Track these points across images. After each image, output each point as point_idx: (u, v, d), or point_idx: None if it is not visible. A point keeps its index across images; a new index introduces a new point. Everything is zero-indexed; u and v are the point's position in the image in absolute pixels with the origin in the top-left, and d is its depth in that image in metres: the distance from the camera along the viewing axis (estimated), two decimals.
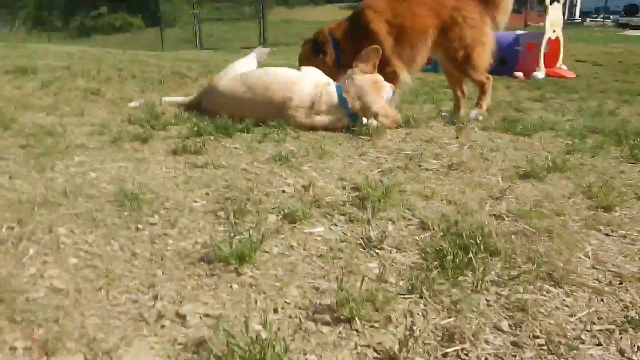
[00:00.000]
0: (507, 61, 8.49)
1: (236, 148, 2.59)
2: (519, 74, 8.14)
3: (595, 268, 1.53)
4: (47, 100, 3.51)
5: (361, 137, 3.10)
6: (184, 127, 2.96)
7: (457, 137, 3.32)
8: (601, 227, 1.86)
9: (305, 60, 3.72)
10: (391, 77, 3.61)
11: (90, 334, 1.04)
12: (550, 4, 8.40)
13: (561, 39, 8.90)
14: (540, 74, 8.31)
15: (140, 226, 1.55)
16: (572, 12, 39.13)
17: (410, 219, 1.81)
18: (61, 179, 1.89)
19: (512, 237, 1.69)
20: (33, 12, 25.36)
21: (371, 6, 3.71)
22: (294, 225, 1.67)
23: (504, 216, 1.90)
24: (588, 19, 30.29)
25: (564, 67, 9.04)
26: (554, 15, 8.54)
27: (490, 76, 4.01)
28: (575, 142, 3.32)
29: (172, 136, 2.76)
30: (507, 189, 2.20)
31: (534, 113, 4.64)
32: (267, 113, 3.04)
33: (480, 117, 3.97)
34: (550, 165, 2.61)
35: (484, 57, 3.88)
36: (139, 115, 3.04)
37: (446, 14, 3.70)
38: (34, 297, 1.14)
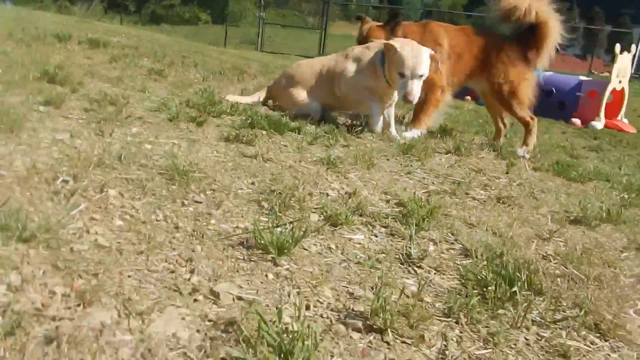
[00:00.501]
0: (566, 105, 8.24)
1: (285, 146, 2.60)
2: (577, 121, 7.88)
3: None
4: (114, 73, 3.63)
5: (410, 155, 3.07)
6: (238, 119, 3.00)
7: (507, 173, 3.23)
8: None
9: None
10: (438, 92, 3.79)
11: (125, 293, 1.05)
12: (620, 53, 8.11)
13: (626, 90, 8.57)
14: (599, 124, 8.00)
15: (186, 202, 1.56)
16: None
17: (452, 243, 1.76)
18: (118, 144, 1.94)
19: (559, 279, 1.62)
20: None
21: (440, 25, 3.96)
22: (334, 228, 1.65)
23: (551, 257, 1.82)
24: None
25: (625, 120, 8.70)
26: (623, 65, 8.23)
27: (534, 117, 4.11)
28: (632, 197, 3.17)
29: (226, 124, 2.80)
30: (557, 231, 2.12)
31: (588, 162, 4.47)
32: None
33: (527, 155, 3.93)
34: (604, 215, 2.50)
35: (527, 92, 4.06)
36: (198, 100, 3.10)
37: (494, 53, 3.94)
38: (78, 249, 1.16)
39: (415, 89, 3.13)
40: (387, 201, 2.09)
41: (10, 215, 1.15)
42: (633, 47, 8.74)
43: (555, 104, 8.37)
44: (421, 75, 3.15)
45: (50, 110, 2.23)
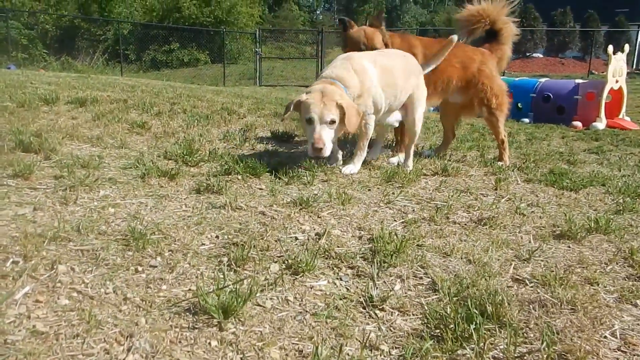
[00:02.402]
0: (565, 110, 8.18)
1: (260, 189, 2.59)
2: (578, 124, 7.80)
3: (622, 351, 1.37)
4: (95, 131, 3.68)
5: (393, 182, 3.03)
6: (216, 165, 3.00)
7: (496, 189, 3.18)
8: (639, 302, 1.68)
9: None
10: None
11: None
12: (614, 54, 8.07)
13: (624, 89, 8.49)
14: (600, 124, 7.91)
15: (140, 268, 1.54)
16: None
17: (421, 278, 1.71)
18: (80, 212, 1.94)
19: (531, 306, 1.56)
20: (111, 46, 27.20)
21: (417, 37, 4.09)
22: (296, 276, 1.61)
23: (527, 281, 1.76)
24: None
25: (627, 118, 8.58)
26: (617, 65, 8.19)
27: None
28: (626, 201, 3.08)
29: (202, 173, 2.80)
30: (537, 249, 2.06)
31: (586, 166, 4.38)
32: None
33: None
34: (592, 225, 2.42)
35: (508, 105, 4.18)
36: (176, 151, 3.12)
37: (475, 66, 3.99)
38: (12, 340, 1.14)
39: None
40: (360, 238, 2.05)
41: None
42: (626, 46, 8.69)
43: (554, 109, 8.31)
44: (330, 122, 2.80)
45: (19, 182, 2.25)
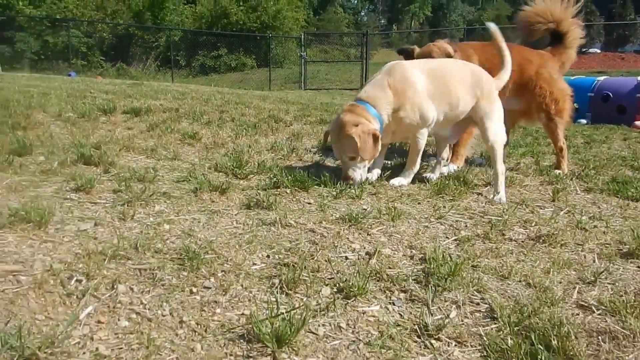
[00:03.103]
0: (626, 109, 7.77)
1: (309, 203, 2.59)
2: (638, 123, 7.40)
3: None
4: (150, 142, 3.80)
5: (444, 195, 2.96)
6: (265, 178, 3.03)
7: (553, 200, 3.05)
8: None
9: None
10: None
11: None
12: None
13: None
14: None
15: (194, 289, 1.57)
16: None
17: (478, 304, 1.65)
18: (137, 229, 1.99)
19: (600, 338, 1.47)
20: (163, 53, 28.12)
21: (469, 44, 3.98)
22: (347, 301, 1.59)
23: (594, 308, 1.66)
24: None
25: None
26: None
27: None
28: None
29: (251, 187, 2.82)
30: (604, 271, 1.94)
31: None
32: None
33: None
34: None
35: (570, 111, 3.97)
36: (226, 163, 3.17)
37: (533, 69, 3.81)
38: None
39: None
40: (412, 257, 2.01)
41: (13, 334, 1.20)
42: None
43: (614, 108, 7.91)
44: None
45: (81, 196, 2.34)
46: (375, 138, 2.87)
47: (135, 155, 3.39)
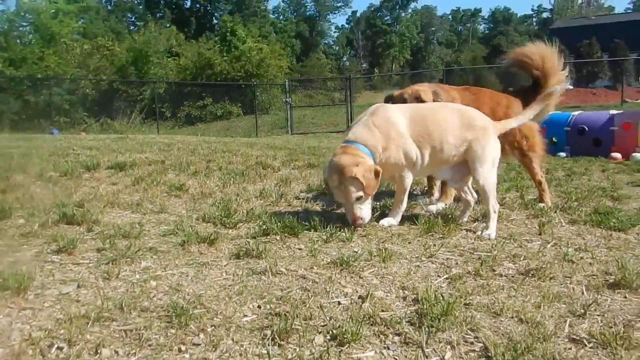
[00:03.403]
0: (602, 142, 7.96)
1: (300, 249, 2.57)
2: (617, 155, 7.54)
3: None
4: (135, 196, 3.78)
5: (433, 233, 2.97)
6: (254, 225, 3.02)
7: (540, 233, 3.07)
8: None
9: None
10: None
11: None
12: None
13: None
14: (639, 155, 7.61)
15: (183, 347, 1.53)
16: None
17: (472, 343, 1.62)
18: (123, 287, 1.96)
19: None
20: (147, 105, 28.39)
21: (443, 87, 4.03)
22: (341, 348, 1.56)
23: (585, 341, 1.65)
24: None
25: None
26: None
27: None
28: None
29: (241, 235, 2.81)
30: (592, 303, 1.94)
31: (632, 202, 4.19)
32: None
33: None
34: None
35: (542, 145, 4.05)
36: (214, 213, 3.16)
37: (502, 111, 3.91)
38: None
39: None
40: (404, 298, 1.99)
41: None
42: None
43: (590, 141, 8.11)
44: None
45: (63, 258, 2.30)
46: (376, 173, 2.92)
47: (120, 211, 3.36)
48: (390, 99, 3.94)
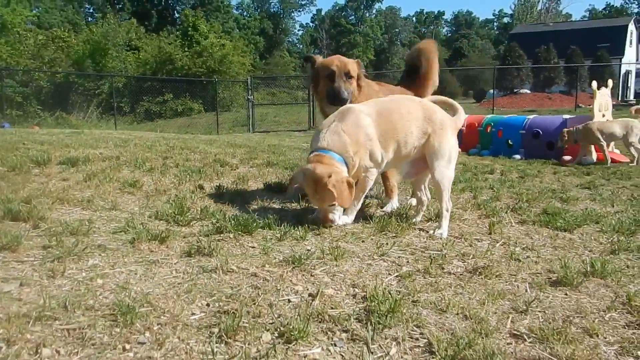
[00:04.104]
0: (554, 145, 8.28)
1: (253, 247, 2.57)
2: (568, 158, 7.88)
3: None
4: (86, 193, 3.67)
5: (387, 232, 3.02)
6: (208, 223, 2.99)
7: (490, 233, 3.17)
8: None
9: None
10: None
11: None
12: (598, 89, 8.25)
13: None
14: (591, 158, 7.99)
15: (127, 346, 1.50)
16: (625, 94, 38.65)
17: (417, 339, 1.67)
18: (68, 286, 1.91)
19: None
20: (105, 100, 27.60)
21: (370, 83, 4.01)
22: (288, 345, 1.57)
23: (525, 336, 1.72)
24: None
25: (617, 151, 8.68)
26: (603, 100, 8.37)
27: None
28: (621, 240, 3.08)
29: (193, 233, 2.78)
30: (534, 300, 2.02)
31: (579, 203, 4.39)
32: None
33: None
34: (588, 269, 2.41)
35: None
36: (167, 210, 3.11)
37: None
38: None
39: None
40: (354, 296, 2.02)
41: None
42: (610, 82, 8.93)
43: (544, 144, 8.43)
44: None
45: (6, 255, 2.22)
46: (349, 185, 2.94)
47: (69, 208, 3.26)
48: (310, 61, 3.80)
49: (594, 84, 8.41)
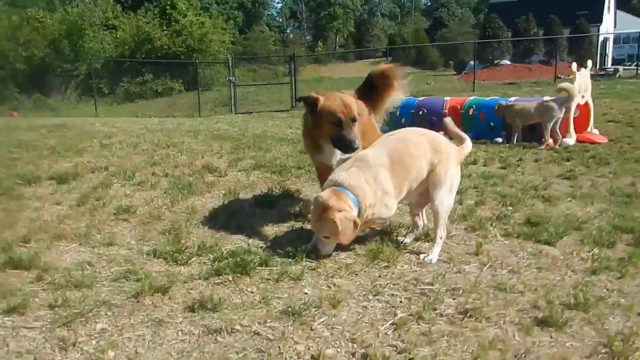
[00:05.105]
0: (535, 128, 8.40)
1: (252, 292, 2.67)
2: (550, 141, 8.00)
3: None
4: (82, 222, 3.72)
5: (380, 261, 3.12)
6: (206, 260, 3.07)
7: (477, 254, 3.30)
8: None
9: None
10: None
11: None
12: (578, 71, 8.34)
13: (591, 104, 8.79)
14: (570, 140, 8.16)
15: None
16: (603, 62, 38.97)
17: None
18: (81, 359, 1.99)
19: None
20: (83, 81, 27.04)
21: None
22: None
23: None
24: (621, 68, 29.56)
25: (596, 131, 8.86)
26: (582, 82, 8.46)
27: None
28: (601, 256, 3.27)
29: (193, 275, 2.85)
30: (524, 352, 2.17)
31: (561, 203, 4.55)
32: None
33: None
34: (572, 301, 2.58)
35: None
36: (164, 248, 3.18)
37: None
38: None
39: None
40: (353, 354, 2.14)
41: None
42: (589, 62, 9.04)
43: (525, 127, 8.55)
44: None
45: (15, 320, 2.29)
46: (355, 225, 3.02)
47: (67, 244, 3.32)
48: (309, 103, 3.60)
49: (574, 65, 8.52)
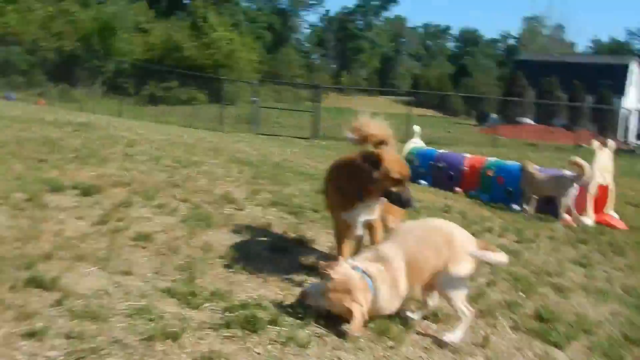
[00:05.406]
0: (553, 199, 8.20)
1: (259, 353, 2.71)
2: (567, 218, 7.76)
3: None
4: (102, 244, 3.81)
5: (386, 338, 3.12)
6: (218, 308, 3.12)
7: (483, 346, 3.28)
8: None
9: None
10: None
11: None
12: (600, 148, 8.18)
13: (612, 187, 8.48)
14: (588, 220, 7.86)
15: None
16: (625, 135, 38.82)
17: None
18: None
19: None
20: (110, 78, 27.54)
21: None
22: None
23: None
24: None
25: (615, 215, 8.52)
26: (603, 162, 8.23)
27: None
28: None
29: (204, 323, 2.90)
30: None
31: (573, 296, 4.42)
32: None
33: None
34: None
35: None
36: (179, 288, 3.24)
37: None
38: None
39: None
40: None
41: None
42: (611, 142, 8.78)
43: (542, 198, 8.36)
44: None
45: (33, 346, 2.37)
46: (365, 321, 3.09)
47: (87, 266, 3.40)
48: (373, 162, 3.52)
49: (595, 143, 8.33)
